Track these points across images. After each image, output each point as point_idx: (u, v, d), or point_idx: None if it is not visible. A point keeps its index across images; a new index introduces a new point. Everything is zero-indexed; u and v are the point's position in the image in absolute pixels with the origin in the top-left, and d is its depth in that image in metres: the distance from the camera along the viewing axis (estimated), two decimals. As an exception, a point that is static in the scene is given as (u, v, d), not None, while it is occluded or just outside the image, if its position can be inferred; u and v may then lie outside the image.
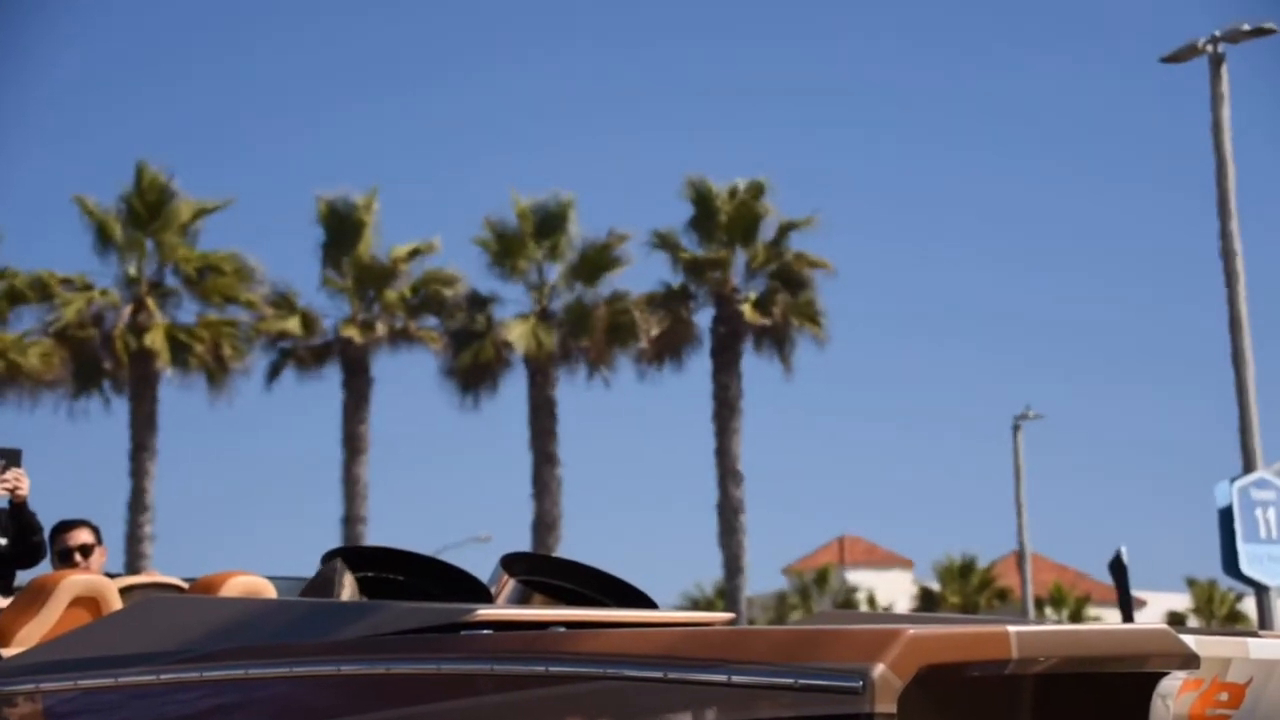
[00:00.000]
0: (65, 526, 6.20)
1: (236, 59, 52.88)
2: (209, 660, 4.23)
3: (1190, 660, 3.75)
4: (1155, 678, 3.83)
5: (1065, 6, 56.88)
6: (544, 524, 29.87)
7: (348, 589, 4.58)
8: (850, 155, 57.01)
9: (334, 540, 29.09)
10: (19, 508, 5.82)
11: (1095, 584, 45.64)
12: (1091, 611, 44.01)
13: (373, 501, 30.20)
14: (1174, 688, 3.85)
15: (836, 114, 57.06)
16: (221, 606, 4.68)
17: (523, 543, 29.22)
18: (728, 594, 30.67)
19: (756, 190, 31.52)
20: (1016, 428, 33.63)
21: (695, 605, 41.04)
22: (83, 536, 6.10)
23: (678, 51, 56.12)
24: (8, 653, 5.02)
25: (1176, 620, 42.83)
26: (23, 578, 6.01)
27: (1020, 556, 34.10)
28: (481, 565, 4.95)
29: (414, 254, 31.13)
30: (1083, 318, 59.56)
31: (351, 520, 29.73)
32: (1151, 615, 40.93)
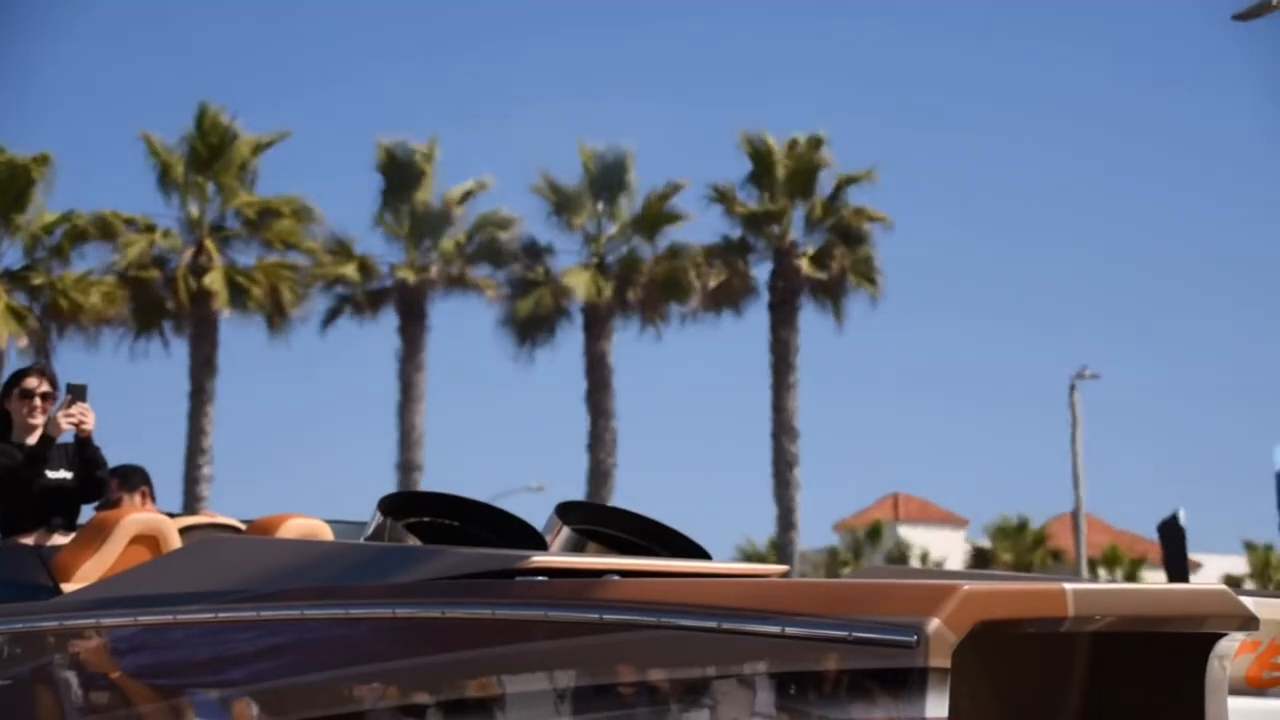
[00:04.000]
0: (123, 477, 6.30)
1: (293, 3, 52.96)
2: (266, 600, 4.27)
3: (1249, 622, 3.72)
4: (1212, 639, 3.81)
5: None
6: (598, 475, 29.96)
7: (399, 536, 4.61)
8: (909, 112, 56.54)
9: (389, 486, 29.31)
10: (84, 443, 5.87)
11: (1151, 546, 45.34)
12: (1147, 574, 43.78)
13: (428, 448, 30.40)
14: (1231, 649, 3.82)
15: (895, 69, 56.58)
16: (279, 548, 4.73)
17: (576, 493, 29.34)
18: (780, 548, 30.70)
19: (815, 144, 31.35)
20: (1073, 387, 33.41)
21: (747, 559, 41.11)
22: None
23: (737, 8, 55.77)
24: (69, 588, 5.09)
25: (1233, 583, 42.52)
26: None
27: (1075, 517, 33.94)
28: (534, 514, 4.97)
29: (467, 195, 31.15)
30: (1143, 276, 59.00)
31: (407, 467, 29.92)
32: (1207, 578, 40.67)
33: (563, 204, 31.04)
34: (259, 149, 29.78)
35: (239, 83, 51.22)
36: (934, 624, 3.30)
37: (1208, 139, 56.79)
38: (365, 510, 5.04)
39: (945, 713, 3.30)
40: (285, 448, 49.34)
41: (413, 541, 4.61)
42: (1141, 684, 4.00)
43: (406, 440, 30.07)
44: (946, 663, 3.31)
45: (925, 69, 56.96)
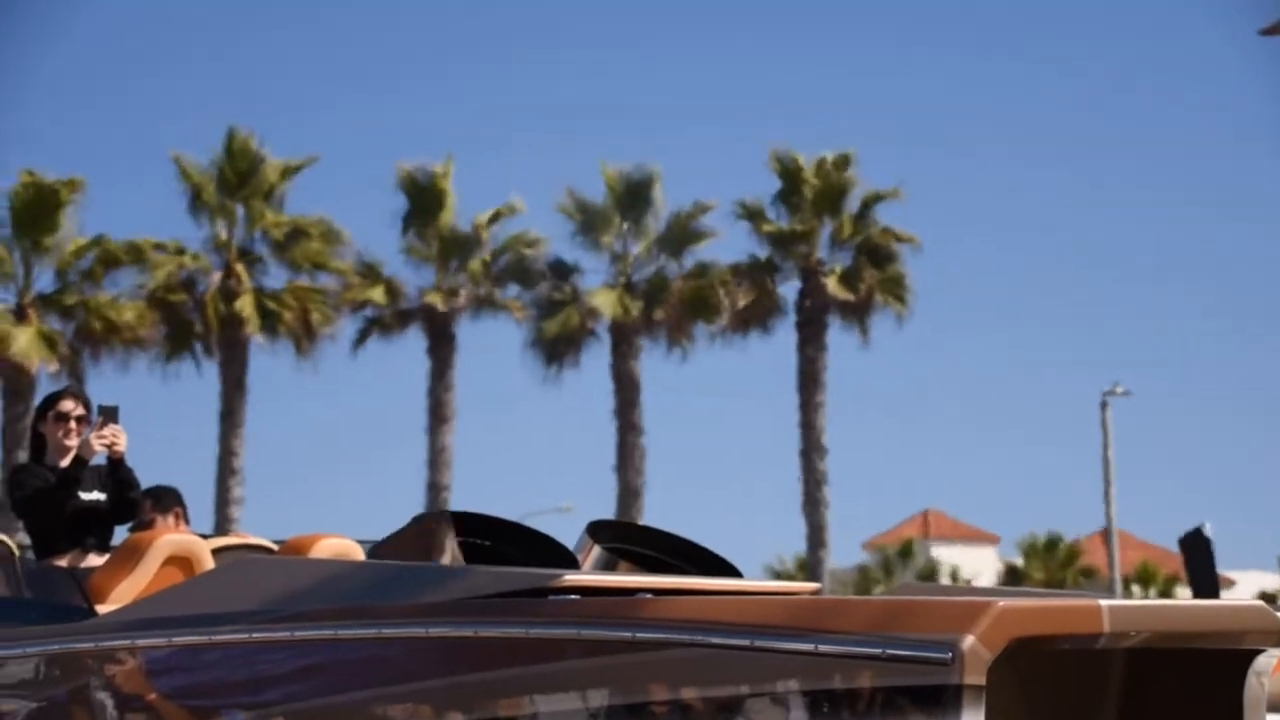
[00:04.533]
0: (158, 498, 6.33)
1: (317, 26, 53.21)
2: (299, 620, 4.28)
3: (1286, 638, 3.69)
4: (1250, 655, 3.78)
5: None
6: (628, 494, 29.93)
7: (448, 552, 4.61)
8: (936, 132, 56.48)
9: (418, 506, 29.33)
10: (116, 464, 5.89)
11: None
12: (1181, 591, 43.49)
13: (456, 468, 30.42)
14: (1269, 665, 3.80)
15: (921, 85, 56.50)
16: (311, 567, 4.73)
17: (606, 513, 29.30)
18: (810, 566, 30.62)
19: (843, 162, 31.34)
20: (1104, 404, 33.27)
21: (777, 577, 41.00)
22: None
23: (763, 23, 55.81)
24: (104, 609, 5.10)
25: (1268, 599, 42.18)
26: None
27: (1108, 534, 33.76)
28: (563, 535, 4.97)
29: (496, 217, 31.23)
30: (1175, 292, 58.73)
31: (436, 487, 29.95)
32: (1241, 594, 40.38)
33: (589, 223, 31.08)
34: (287, 173, 29.92)
35: (263, 109, 51.50)
36: (969, 641, 3.29)
37: (1240, 159, 56.57)
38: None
39: (981, 730, 3.29)
40: (316, 469, 49.47)
41: (458, 558, 4.61)
42: (1178, 701, 3.98)
43: (436, 461, 30.11)
44: (982, 680, 3.29)
45: (952, 89, 56.90)
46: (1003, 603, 3.36)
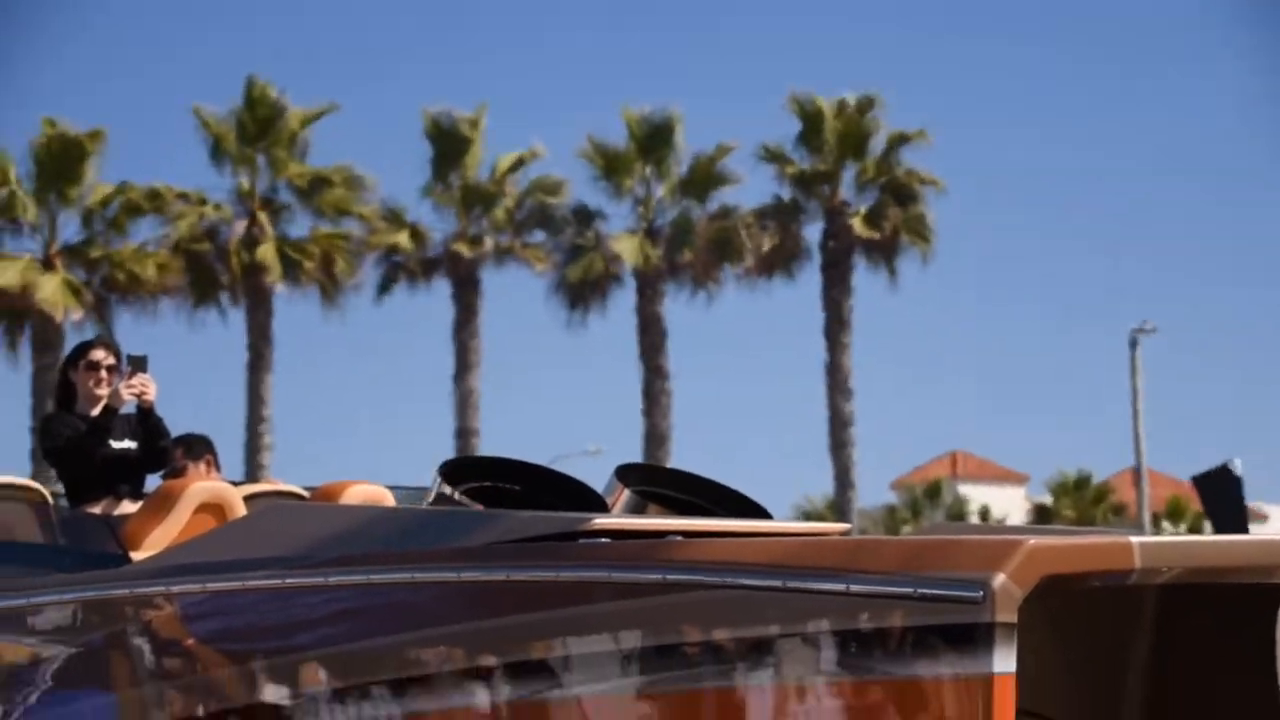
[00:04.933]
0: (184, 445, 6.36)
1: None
2: (333, 566, 4.31)
3: (1319, 573, 3.68)
4: (1281, 591, 3.78)
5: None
6: (655, 437, 30.00)
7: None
8: (960, 76, 56.01)
9: (447, 452, 29.46)
10: (146, 413, 5.93)
11: (1212, 499, 45.00)
12: (1210, 526, 43.46)
13: (484, 414, 30.51)
14: (1301, 601, 3.79)
15: (947, 23, 56.02)
16: (343, 514, 4.76)
17: (633, 456, 29.40)
18: (838, 507, 30.69)
19: (866, 105, 31.16)
20: (1134, 341, 33.14)
21: (805, 518, 41.09)
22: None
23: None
24: (138, 556, 5.15)
25: (1295, 537, 42.06)
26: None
27: (1137, 471, 33.72)
28: (593, 477, 4.98)
29: (519, 163, 31.16)
30: (1201, 227, 58.36)
31: (464, 433, 30.06)
32: (1274, 529, 40.33)
33: (611, 168, 30.98)
34: (307, 121, 29.89)
35: (285, 58, 51.36)
36: (1000, 579, 3.29)
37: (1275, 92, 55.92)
38: (425, 476, 5.07)
39: (1013, 668, 3.29)
40: (343, 415, 49.68)
41: (475, 506, 4.63)
42: (1210, 637, 3.98)
43: (463, 406, 30.20)
44: (1013, 618, 3.29)
45: (976, 33, 56.42)
46: (1033, 540, 3.36)
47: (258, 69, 33.08)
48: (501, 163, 31.09)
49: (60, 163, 28.24)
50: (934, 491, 44.99)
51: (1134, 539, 3.48)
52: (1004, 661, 3.28)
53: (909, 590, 3.39)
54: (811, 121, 31.02)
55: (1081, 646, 4.12)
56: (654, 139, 30.98)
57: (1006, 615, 3.29)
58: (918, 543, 3.57)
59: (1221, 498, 13.63)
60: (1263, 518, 42.42)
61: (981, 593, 3.29)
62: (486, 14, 55.15)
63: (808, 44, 53.48)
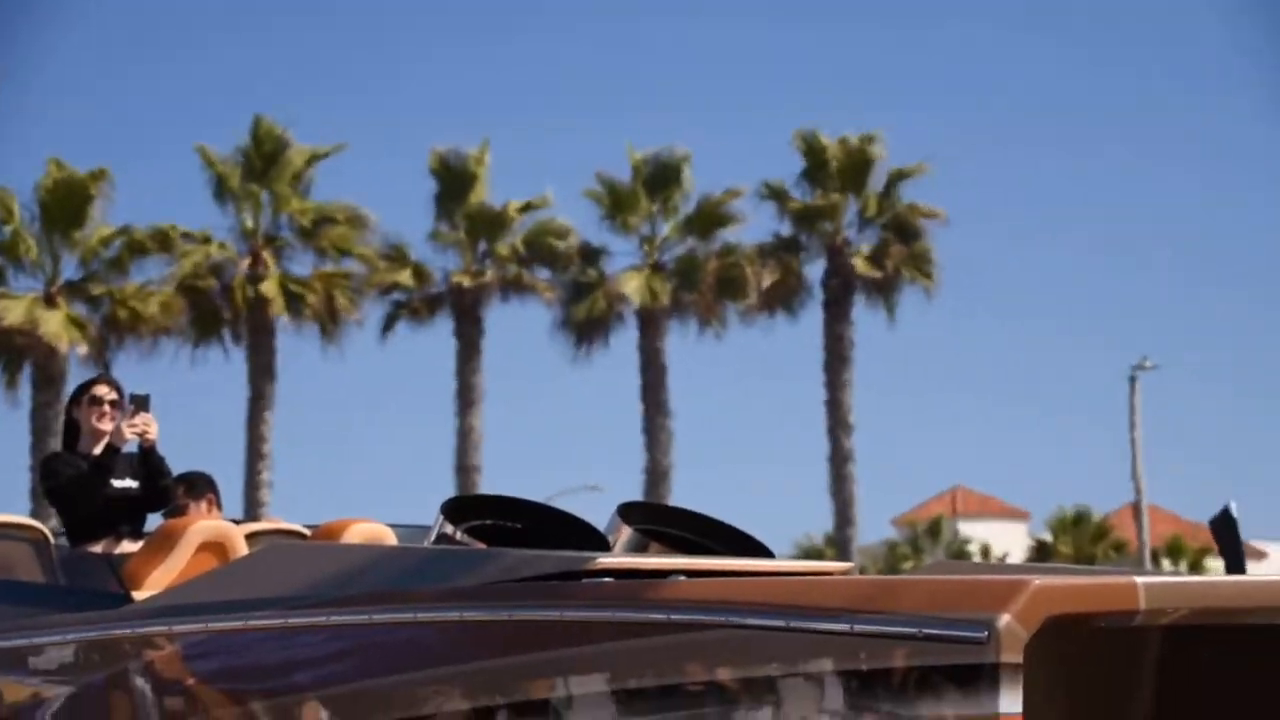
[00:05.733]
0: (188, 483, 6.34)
1: (349, 9, 53.21)
2: (335, 605, 4.30)
3: (1324, 613, 3.67)
4: (1287, 630, 3.76)
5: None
6: (656, 474, 29.96)
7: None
8: (960, 109, 56.22)
9: (448, 489, 29.41)
10: (148, 452, 5.93)
11: (1214, 536, 44.90)
12: (1212, 564, 43.33)
13: (486, 451, 30.47)
14: (1307, 641, 3.77)
15: (945, 66, 56.26)
16: (345, 553, 4.75)
17: (634, 493, 29.35)
18: (838, 544, 30.63)
19: (867, 141, 31.28)
20: (1133, 378, 33.15)
21: (806, 555, 40.99)
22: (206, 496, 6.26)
23: (787, 5, 55.62)
24: (139, 595, 5.13)
25: (1297, 574, 41.86)
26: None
27: (1137, 508, 33.66)
28: (593, 514, 4.97)
29: (527, 208, 31.26)
30: (1203, 264, 58.41)
31: (465, 469, 30.02)
32: (1274, 567, 40.21)
33: (616, 206, 31.07)
34: (313, 159, 29.98)
35: (291, 93, 51.55)
36: (1005, 619, 3.27)
37: (1274, 134, 56.12)
38: (426, 514, 5.05)
39: (1019, 709, 3.28)
40: (344, 453, 49.62)
41: (476, 545, 4.62)
42: (1216, 677, 3.96)
43: (464, 442, 30.17)
44: (1019, 658, 3.28)
45: (975, 65, 56.63)
46: (1038, 580, 3.35)
47: (260, 107, 33.19)
48: (509, 205, 31.19)
49: (65, 203, 28.31)
50: (935, 528, 44.91)
51: (1139, 579, 3.47)
52: (1010, 702, 3.27)
53: (913, 630, 3.37)
54: (815, 157, 31.14)
55: (1086, 686, 4.10)
56: (660, 178, 31.10)
57: (1012, 656, 3.27)
58: (921, 582, 3.56)
59: (1226, 541, 13.63)
60: (1262, 555, 42.32)
61: (986, 633, 3.28)
62: (491, 53, 55.39)
63: (814, 83, 53.68)
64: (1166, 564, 42.62)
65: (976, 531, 47.03)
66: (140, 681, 4.61)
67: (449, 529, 4.64)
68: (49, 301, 28.12)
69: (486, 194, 31.19)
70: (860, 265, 30.55)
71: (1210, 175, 58.29)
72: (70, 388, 6.36)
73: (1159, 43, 58.64)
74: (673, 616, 3.73)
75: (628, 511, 5.03)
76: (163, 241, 28.99)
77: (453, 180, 31.02)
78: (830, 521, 30.98)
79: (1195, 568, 42.40)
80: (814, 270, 31.30)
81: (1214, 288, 58.08)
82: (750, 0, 55.78)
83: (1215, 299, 58.47)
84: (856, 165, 31.08)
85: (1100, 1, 57.58)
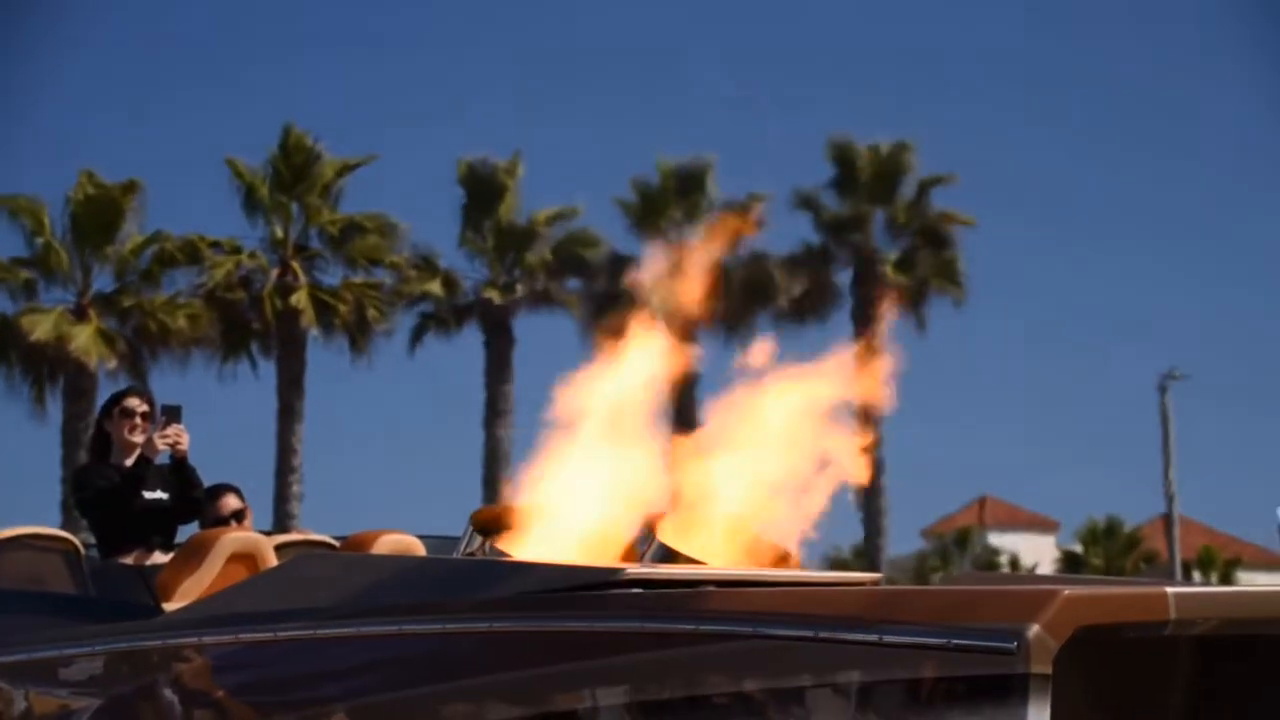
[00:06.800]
0: (214, 494, 6.36)
1: (379, 21, 53.41)
2: (364, 616, 4.30)
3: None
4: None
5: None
6: (683, 484, 29.90)
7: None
8: (992, 115, 56.11)
9: (477, 501, 29.43)
10: (180, 463, 5.95)
11: (1246, 546, 44.59)
12: (1242, 575, 43.08)
13: (515, 463, 30.50)
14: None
15: (977, 72, 56.18)
16: (374, 564, 4.76)
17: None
18: (867, 554, 30.55)
19: (899, 149, 31.26)
20: (1163, 388, 33.02)
21: (834, 566, 40.89)
22: (232, 503, 6.27)
23: (823, 11, 55.61)
24: (170, 606, 5.15)
25: (1330, 585, 41.60)
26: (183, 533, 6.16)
27: (1168, 519, 33.50)
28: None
29: (556, 218, 31.30)
30: (1233, 273, 58.13)
31: (493, 481, 30.03)
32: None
33: (645, 214, 31.10)
34: (344, 170, 30.08)
35: (320, 107, 51.73)
36: (1034, 630, 3.27)
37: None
38: (455, 525, 5.06)
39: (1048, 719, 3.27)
40: (373, 464, 49.68)
41: (506, 556, 4.63)
42: (1246, 689, 3.94)
43: (493, 455, 30.20)
44: (1048, 669, 3.28)
45: (1008, 70, 56.54)
46: (1068, 591, 3.34)
47: (291, 117, 33.33)
48: (539, 216, 31.25)
49: (96, 215, 28.46)
50: (963, 539, 44.74)
51: (1169, 589, 3.46)
52: (1039, 713, 3.26)
53: (942, 641, 3.37)
54: (847, 165, 31.14)
55: (1116, 697, 4.09)
56: (688, 186, 31.13)
57: (1041, 666, 3.27)
58: (950, 593, 3.56)
59: None
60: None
61: (1016, 643, 3.27)
62: (520, 67, 55.51)
63: (845, 90, 53.63)
64: (1197, 576, 42.39)
65: (1005, 542, 46.82)
66: (171, 692, 4.63)
67: (479, 540, 4.65)
68: (79, 314, 28.28)
69: (516, 205, 31.24)
70: (890, 274, 30.52)
71: (1245, 183, 58.03)
72: (100, 400, 6.38)
73: (1199, 51, 58.46)
74: (702, 627, 3.73)
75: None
76: (192, 253, 29.11)
77: (481, 191, 31.09)
78: (859, 532, 30.92)
79: (1225, 580, 42.14)
80: (844, 278, 31.31)
81: (1246, 296, 57.79)
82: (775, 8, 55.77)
83: (1246, 308, 58.19)
84: (887, 173, 31.07)
85: (1133, 5, 57.41)
